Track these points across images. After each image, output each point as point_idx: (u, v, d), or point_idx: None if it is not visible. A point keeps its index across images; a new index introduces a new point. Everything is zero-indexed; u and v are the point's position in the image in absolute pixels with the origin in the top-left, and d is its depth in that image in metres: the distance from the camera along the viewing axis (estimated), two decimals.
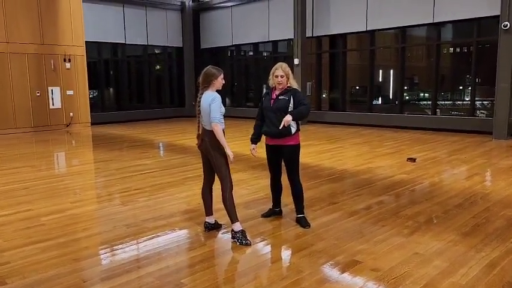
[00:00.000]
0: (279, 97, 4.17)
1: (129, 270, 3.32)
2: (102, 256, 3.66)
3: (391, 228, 4.20)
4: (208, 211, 4.17)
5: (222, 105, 3.91)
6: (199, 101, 3.92)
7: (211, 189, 4.14)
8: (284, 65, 4.19)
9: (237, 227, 3.86)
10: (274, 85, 4.21)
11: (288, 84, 4.17)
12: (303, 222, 4.26)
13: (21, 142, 11.18)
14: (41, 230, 4.28)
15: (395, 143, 9.85)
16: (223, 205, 3.94)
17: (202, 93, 3.94)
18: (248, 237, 3.83)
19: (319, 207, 4.93)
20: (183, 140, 11.14)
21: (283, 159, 4.30)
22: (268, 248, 3.78)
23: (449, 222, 4.38)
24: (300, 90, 4.29)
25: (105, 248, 3.80)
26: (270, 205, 4.74)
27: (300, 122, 4.26)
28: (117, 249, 3.76)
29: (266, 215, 4.57)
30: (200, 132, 4.05)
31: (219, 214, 4.37)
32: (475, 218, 4.47)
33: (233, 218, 3.87)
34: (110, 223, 4.51)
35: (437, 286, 2.99)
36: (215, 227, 4.20)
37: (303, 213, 4.36)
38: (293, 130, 4.15)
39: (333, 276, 3.21)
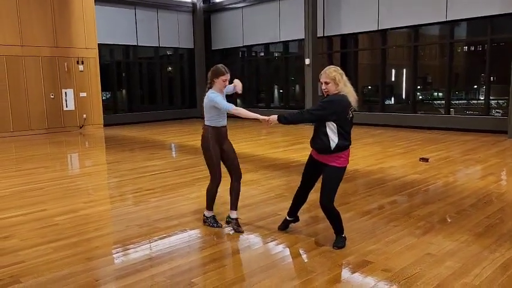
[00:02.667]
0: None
1: (140, 270, 3.35)
2: (114, 255, 3.70)
3: (403, 228, 4.16)
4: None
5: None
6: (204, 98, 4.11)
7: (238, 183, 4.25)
8: (331, 69, 3.60)
9: (208, 213, 4.29)
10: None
11: (336, 91, 3.56)
12: (336, 242, 3.72)
13: (36, 144, 11.36)
14: (55, 229, 4.34)
15: (408, 142, 9.75)
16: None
17: (207, 91, 4.10)
18: (218, 222, 4.25)
19: None
20: (194, 141, 11.18)
21: (322, 177, 3.73)
22: (279, 248, 3.77)
23: (462, 222, 4.32)
24: (340, 98, 3.55)
25: (117, 248, 3.84)
26: (283, 206, 4.72)
27: (342, 138, 3.55)
28: (129, 249, 3.79)
29: (282, 228, 4.14)
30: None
31: (244, 210, 4.37)
32: (488, 218, 4.40)
33: (207, 206, 4.29)
34: (122, 223, 4.55)
35: (450, 287, 2.95)
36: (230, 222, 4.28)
37: (340, 233, 3.76)
38: (332, 145, 3.53)
39: (344, 276, 3.20)
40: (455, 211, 4.70)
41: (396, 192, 5.55)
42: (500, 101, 11.66)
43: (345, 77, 3.60)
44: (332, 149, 3.54)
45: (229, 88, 4.35)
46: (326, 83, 3.58)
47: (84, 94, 14.11)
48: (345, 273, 3.23)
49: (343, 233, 3.77)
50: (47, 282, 3.17)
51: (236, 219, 4.20)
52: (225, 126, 4.22)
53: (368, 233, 4.05)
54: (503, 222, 4.28)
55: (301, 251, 3.68)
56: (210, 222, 4.27)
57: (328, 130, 3.55)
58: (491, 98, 11.63)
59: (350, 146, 3.66)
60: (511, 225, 4.20)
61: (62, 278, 3.21)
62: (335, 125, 3.52)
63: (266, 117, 3.79)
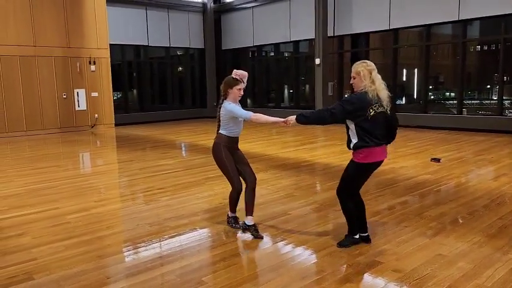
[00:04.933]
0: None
1: (151, 268, 3.38)
2: (125, 254, 3.73)
3: (415, 228, 4.13)
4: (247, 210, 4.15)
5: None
6: (219, 110, 4.09)
7: (252, 188, 4.10)
8: (359, 63, 3.55)
9: (231, 214, 4.32)
10: None
11: (362, 87, 3.49)
12: (342, 240, 3.73)
13: (48, 143, 11.51)
14: (67, 227, 4.40)
15: (420, 143, 9.66)
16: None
17: (222, 103, 4.07)
18: (239, 223, 4.24)
19: (339, 208, 4.87)
20: (204, 140, 11.23)
21: None
22: (289, 248, 3.77)
23: (474, 223, 4.27)
24: (362, 94, 3.46)
25: (128, 246, 3.87)
26: (292, 205, 4.71)
27: (367, 138, 3.47)
28: (140, 247, 3.82)
29: (345, 245, 3.74)
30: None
31: (254, 209, 4.38)
32: (501, 219, 4.34)
33: (230, 208, 4.30)
34: (133, 221, 4.59)
35: (462, 287, 2.92)
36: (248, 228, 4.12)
37: (351, 234, 3.70)
38: (351, 145, 3.57)
39: (354, 277, 3.18)
40: (468, 212, 4.65)
41: (407, 193, 5.51)
42: None
43: (374, 73, 3.46)
44: (351, 147, 3.59)
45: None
46: (353, 78, 3.55)
47: (96, 94, 14.26)
48: (355, 274, 3.22)
49: (354, 234, 3.71)
50: (60, 279, 3.21)
51: (254, 225, 4.06)
52: (238, 137, 4.21)
53: (379, 233, 4.03)
54: None
55: (311, 251, 3.68)
56: (231, 222, 4.31)
57: (349, 129, 3.58)
58: (505, 98, 11.46)
59: (375, 145, 3.46)
60: None
61: (74, 275, 3.26)
62: (353, 125, 3.49)
63: (284, 119, 3.75)
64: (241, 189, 4.10)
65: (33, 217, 4.79)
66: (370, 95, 3.43)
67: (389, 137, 3.71)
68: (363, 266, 3.33)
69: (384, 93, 3.48)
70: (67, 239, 4.05)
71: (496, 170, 6.83)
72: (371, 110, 3.42)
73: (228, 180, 4.10)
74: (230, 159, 4.06)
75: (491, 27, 11.84)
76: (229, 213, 4.36)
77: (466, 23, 11.73)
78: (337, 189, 3.78)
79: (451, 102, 13.02)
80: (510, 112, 11.43)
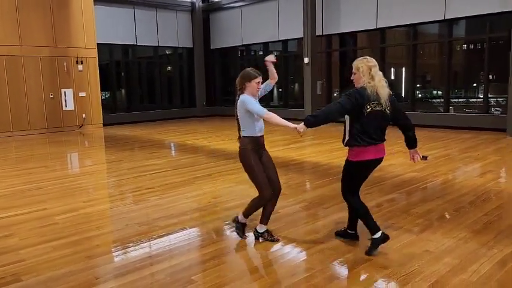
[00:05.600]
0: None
1: (140, 268, 3.37)
2: (114, 254, 3.72)
3: (402, 225, 4.18)
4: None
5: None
6: (236, 107, 3.79)
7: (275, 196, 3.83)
8: (360, 59, 3.48)
9: (241, 218, 3.99)
10: None
11: (361, 84, 3.41)
12: (370, 247, 3.51)
13: (36, 143, 11.38)
14: (55, 228, 4.36)
15: None
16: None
17: (238, 97, 3.77)
18: (245, 233, 3.98)
19: (330, 205, 4.93)
20: (193, 140, 11.22)
21: None
22: (279, 246, 3.79)
23: (460, 219, 4.34)
24: (359, 90, 3.39)
25: (117, 246, 3.86)
26: (281, 204, 4.71)
27: (359, 138, 3.41)
28: (129, 247, 3.81)
29: (340, 234, 3.88)
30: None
31: (243, 208, 4.39)
32: (487, 215, 4.42)
33: (244, 211, 3.96)
34: (122, 222, 4.57)
35: (448, 283, 2.97)
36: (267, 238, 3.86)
37: (373, 235, 3.51)
38: (345, 140, 3.53)
39: (343, 273, 3.22)
40: (454, 208, 4.73)
41: (395, 190, 5.58)
42: (499, 99, 11.68)
43: (374, 70, 3.37)
44: (344, 144, 3.55)
45: (266, 86, 4.06)
46: (353, 73, 3.46)
47: (84, 94, 14.13)
48: (344, 270, 3.26)
49: (375, 232, 3.47)
50: (48, 280, 3.19)
51: (266, 230, 3.85)
52: (263, 136, 3.85)
53: (367, 230, 4.06)
54: (501, 219, 4.30)
55: (300, 249, 3.70)
56: (239, 228, 3.97)
57: (345, 125, 3.51)
58: (490, 96, 11.65)
59: (367, 145, 3.40)
60: (509, 222, 4.23)
61: (63, 276, 3.23)
62: (349, 121, 3.45)
63: (296, 126, 3.52)
64: (270, 199, 3.75)
65: (21, 218, 4.74)
66: (369, 91, 3.34)
67: (410, 140, 3.75)
68: (351, 263, 3.36)
69: (383, 91, 3.37)
70: (55, 239, 4.02)
71: (481, 167, 6.95)
72: (368, 107, 3.34)
73: (256, 187, 3.73)
74: (259, 165, 3.70)
75: (477, 26, 12.01)
76: (239, 216, 3.97)
77: (451, 22, 11.89)
78: (341, 192, 3.70)
79: (438, 100, 13.18)
80: (496, 110, 11.61)
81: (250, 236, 4.02)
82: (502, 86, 10.94)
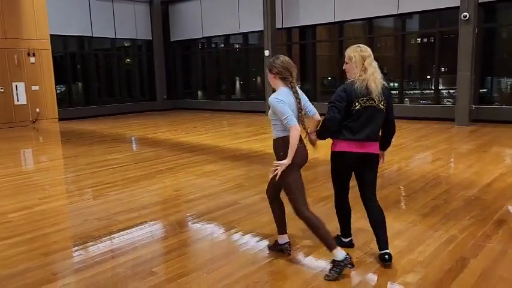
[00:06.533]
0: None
1: (100, 262, 3.35)
2: (72, 249, 3.67)
3: (357, 212, 4.33)
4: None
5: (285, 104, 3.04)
6: (299, 96, 3.22)
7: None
8: (353, 47, 3.12)
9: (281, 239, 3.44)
10: None
11: (354, 75, 3.09)
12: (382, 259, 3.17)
13: None
14: (9, 226, 4.23)
15: None
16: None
17: (295, 88, 3.22)
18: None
19: None
20: (155, 133, 11.08)
21: None
22: (239, 235, 3.87)
23: (411, 204, 4.60)
24: (349, 85, 3.09)
25: (75, 242, 3.81)
26: (243, 195, 4.80)
27: (345, 131, 3.14)
28: (88, 242, 3.77)
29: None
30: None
31: (204, 200, 4.41)
32: (434, 199, 4.71)
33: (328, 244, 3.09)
34: (80, 217, 4.50)
35: (396, 263, 3.17)
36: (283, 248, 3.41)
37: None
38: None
39: (300, 259, 3.34)
40: (405, 194, 5.00)
41: (352, 179, 5.77)
42: (451, 91, 12.28)
43: (368, 61, 3.04)
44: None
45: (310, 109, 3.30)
46: (345, 63, 3.15)
47: (37, 87, 13.57)
48: (301, 256, 3.38)
49: (345, 237, 3.44)
50: (3, 278, 3.11)
51: (287, 242, 3.41)
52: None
53: (324, 217, 4.21)
54: (447, 203, 4.59)
55: (260, 238, 3.80)
56: (277, 247, 3.41)
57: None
58: (442, 88, 12.22)
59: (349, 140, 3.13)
60: (454, 205, 4.52)
61: (18, 274, 3.17)
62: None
63: (279, 164, 3.07)
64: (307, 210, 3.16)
65: None
66: (357, 86, 3.02)
67: (387, 133, 3.33)
68: (308, 248, 3.50)
69: (373, 85, 3.02)
70: (9, 237, 3.91)
71: (432, 154, 7.33)
72: (356, 104, 3.03)
73: (293, 198, 3.17)
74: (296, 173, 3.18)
75: (429, 21, 12.53)
76: (278, 238, 3.41)
77: (405, 16, 12.35)
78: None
79: (395, 92, 13.68)
80: (448, 101, 12.19)
81: (210, 227, 4.08)
82: (454, 78, 11.52)
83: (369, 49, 3.13)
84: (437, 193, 4.95)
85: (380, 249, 3.19)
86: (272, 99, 3.06)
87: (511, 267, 3.09)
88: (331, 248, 3.02)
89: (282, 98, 3.07)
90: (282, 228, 3.40)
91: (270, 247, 3.51)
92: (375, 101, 3.06)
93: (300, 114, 3.13)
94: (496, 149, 7.55)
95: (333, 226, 3.52)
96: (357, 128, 3.10)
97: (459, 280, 2.92)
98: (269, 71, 3.19)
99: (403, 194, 5.03)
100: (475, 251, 3.36)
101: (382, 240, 3.19)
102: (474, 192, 4.95)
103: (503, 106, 11.02)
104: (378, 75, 3.08)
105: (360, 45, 3.15)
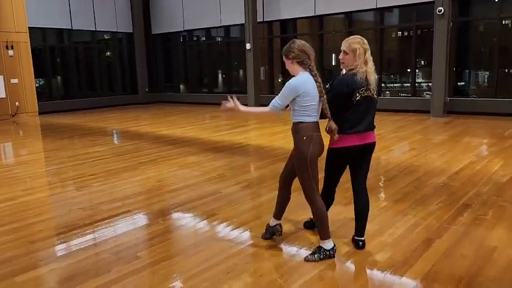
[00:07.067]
0: (327, 85, 3.25)
1: (85, 249, 3.47)
2: (58, 237, 3.77)
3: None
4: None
5: (291, 92, 3.00)
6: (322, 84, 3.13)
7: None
8: (356, 39, 3.15)
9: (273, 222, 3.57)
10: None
11: (352, 67, 3.13)
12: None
13: None
14: None
15: None
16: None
17: (317, 75, 3.12)
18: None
19: (268, 184, 5.24)
20: (136, 127, 11.12)
21: None
22: (219, 222, 4.03)
23: (385, 191, 4.85)
24: (350, 77, 3.11)
25: (60, 230, 3.91)
26: (224, 185, 4.95)
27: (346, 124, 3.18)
28: (73, 230, 3.88)
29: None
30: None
31: (186, 189, 4.53)
32: (407, 186, 4.96)
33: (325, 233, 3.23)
34: (64, 207, 4.59)
35: (368, 245, 3.39)
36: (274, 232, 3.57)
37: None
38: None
39: (277, 244, 3.52)
40: (380, 182, 5.24)
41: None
42: (430, 84, 12.62)
43: (368, 53, 3.12)
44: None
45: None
46: (345, 53, 3.15)
47: (16, 81, 13.39)
48: (277, 241, 3.55)
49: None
50: None
51: (278, 224, 3.56)
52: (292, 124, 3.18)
53: (300, 204, 4.39)
54: (418, 190, 4.84)
55: (239, 223, 3.96)
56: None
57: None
58: (421, 81, 12.57)
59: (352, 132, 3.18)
60: (424, 191, 4.78)
61: (6, 261, 3.27)
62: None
63: (232, 104, 3.20)
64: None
65: None
66: (359, 77, 3.08)
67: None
68: (285, 234, 3.67)
69: (372, 77, 3.14)
70: None
71: (407, 144, 7.62)
72: (357, 95, 3.10)
73: (307, 189, 3.21)
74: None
75: (406, 15, 12.83)
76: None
77: (383, 10, 12.62)
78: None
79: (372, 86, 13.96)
80: (427, 94, 12.54)
81: (193, 215, 4.23)
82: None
83: (366, 42, 3.18)
84: (410, 180, 5.21)
85: (358, 235, 3.38)
86: (289, 81, 3.03)
87: (472, 246, 3.34)
88: (325, 238, 3.17)
89: (298, 81, 2.99)
90: (280, 214, 3.51)
91: (263, 236, 3.57)
92: (371, 91, 3.15)
93: (322, 98, 3.04)
94: (468, 139, 7.88)
95: (305, 215, 3.71)
96: (357, 119, 3.17)
97: (424, 258, 3.16)
98: (285, 56, 3.11)
99: (378, 182, 5.27)
100: (440, 233, 3.61)
101: (362, 227, 3.38)
102: (443, 179, 5.23)
103: (477, 98, 11.43)
104: (373, 66, 3.18)
105: (359, 36, 3.19)
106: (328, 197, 3.55)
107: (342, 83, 3.13)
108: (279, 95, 3.05)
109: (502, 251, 3.24)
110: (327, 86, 3.22)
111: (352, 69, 3.13)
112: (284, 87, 3.02)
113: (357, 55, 3.09)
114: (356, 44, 3.10)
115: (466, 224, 3.80)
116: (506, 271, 2.94)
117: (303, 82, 3.01)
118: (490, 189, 4.78)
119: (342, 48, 3.18)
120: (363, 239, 3.38)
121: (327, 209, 3.46)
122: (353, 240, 3.43)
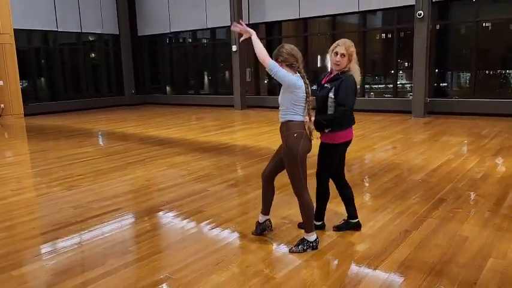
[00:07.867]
0: (325, 84, 3.46)
1: (78, 244, 3.60)
2: (51, 234, 3.87)
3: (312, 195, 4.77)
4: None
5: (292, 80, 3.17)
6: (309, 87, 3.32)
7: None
8: (349, 42, 3.39)
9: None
10: (331, 67, 3.48)
11: (346, 69, 3.37)
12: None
13: None
14: None
15: None
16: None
17: (305, 78, 3.31)
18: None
19: (253, 183, 5.41)
20: (124, 128, 11.18)
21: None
22: (207, 218, 4.17)
23: (366, 187, 5.07)
24: (354, 78, 3.39)
25: (54, 227, 4.01)
26: (211, 183, 5.10)
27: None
28: (66, 227, 3.99)
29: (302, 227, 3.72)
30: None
31: (175, 188, 4.67)
32: (387, 183, 5.19)
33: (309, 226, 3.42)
34: (55, 206, 4.69)
35: (349, 236, 3.59)
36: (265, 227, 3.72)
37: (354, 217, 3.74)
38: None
39: (262, 237, 3.69)
40: (362, 179, 5.46)
41: (313, 167, 6.19)
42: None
43: (355, 55, 3.41)
44: (326, 130, 3.50)
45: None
46: (342, 56, 3.34)
47: (1, 83, 13.31)
48: (259, 237, 3.71)
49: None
50: None
51: (268, 219, 3.72)
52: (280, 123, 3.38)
53: (286, 203, 4.58)
54: (397, 186, 5.08)
55: (224, 220, 4.12)
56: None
57: (328, 106, 3.43)
58: (405, 82, 12.91)
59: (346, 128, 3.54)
60: (403, 187, 5.01)
61: (2, 257, 3.37)
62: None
63: (241, 28, 3.46)
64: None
65: None
66: (357, 78, 3.40)
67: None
68: (274, 225, 3.83)
69: (359, 75, 3.45)
70: None
71: (388, 143, 7.88)
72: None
73: (299, 190, 3.44)
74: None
75: (387, 18, 13.17)
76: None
77: (366, 13, 12.93)
78: (316, 175, 3.79)
79: (358, 87, 14.25)
80: (411, 95, 12.86)
81: (182, 213, 4.38)
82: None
83: None
84: (390, 177, 5.45)
85: (353, 218, 3.75)
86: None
87: (445, 236, 3.57)
88: (309, 231, 3.37)
89: (295, 78, 3.18)
90: (267, 210, 3.67)
91: (254, 233, 3.71)
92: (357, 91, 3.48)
93: (308, 100, 3.23)
94: (446, 138, 8.19)
95: (290, 211, 3.89)
96: (351, 116, 3.54)
97: (401, 247, 3.37)
98: (275, 60, 3.22)
99: (360, 179, 5.49)
100: (416, 225, 3.83)
101: (355, 210, 3.76)
102: (422, 176, 5.48)
103: (457, 99, 11.81)
104: None
105: (349, 40, 3.44)
106: (327, 192, 3.78)
107: (354, 83, 3.39)
108: (281, 70, 3.13)
109: (473, 240, 3.48)
110: (327, 86, 3.44)
111: (346, 70, 3.37)
112: (287, 75, 3.14)
113: (353, 58, 3.37)
114: (352, 47, 3.37)
115: (440, 216, 4.03)
116: (475, 258, 3.17)
117: (298, 80, 3.22)
118: (465, 184, 5.05)
119: (337, 50, 3.37)
120: (359, 220, 3.75)
121: (326, 204, 3.76)
122: (349, 224, 3.73)
